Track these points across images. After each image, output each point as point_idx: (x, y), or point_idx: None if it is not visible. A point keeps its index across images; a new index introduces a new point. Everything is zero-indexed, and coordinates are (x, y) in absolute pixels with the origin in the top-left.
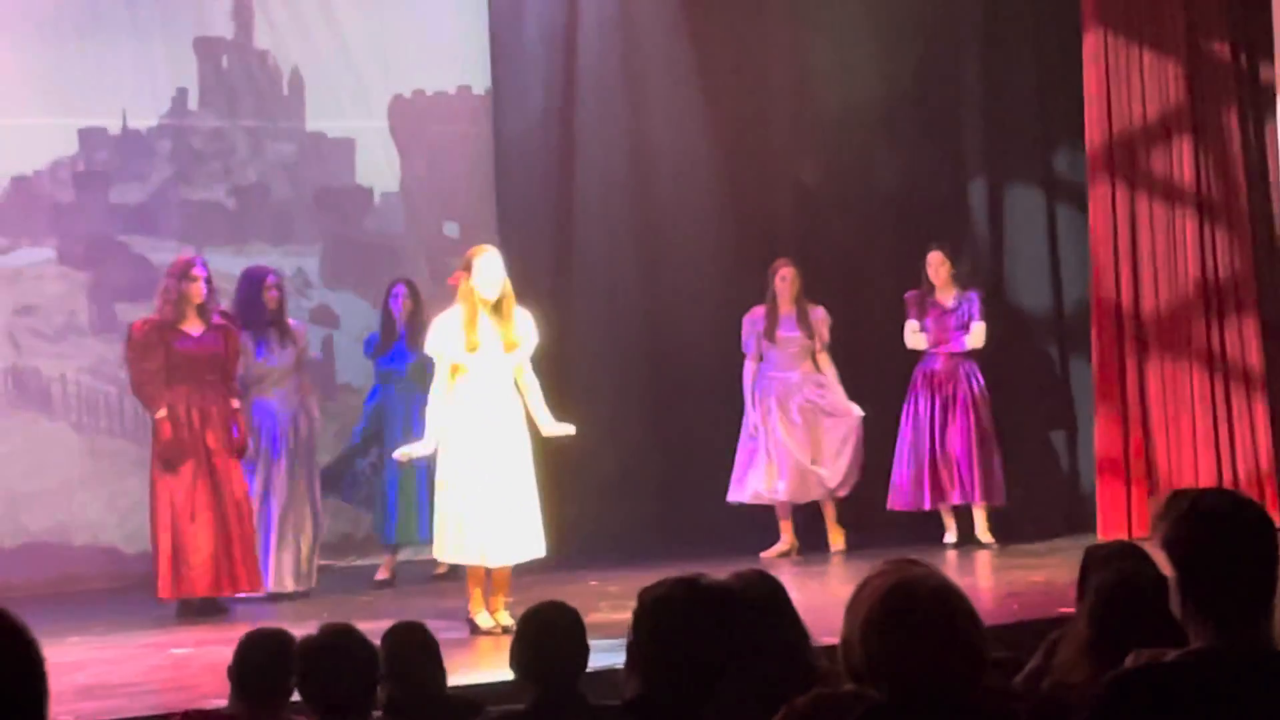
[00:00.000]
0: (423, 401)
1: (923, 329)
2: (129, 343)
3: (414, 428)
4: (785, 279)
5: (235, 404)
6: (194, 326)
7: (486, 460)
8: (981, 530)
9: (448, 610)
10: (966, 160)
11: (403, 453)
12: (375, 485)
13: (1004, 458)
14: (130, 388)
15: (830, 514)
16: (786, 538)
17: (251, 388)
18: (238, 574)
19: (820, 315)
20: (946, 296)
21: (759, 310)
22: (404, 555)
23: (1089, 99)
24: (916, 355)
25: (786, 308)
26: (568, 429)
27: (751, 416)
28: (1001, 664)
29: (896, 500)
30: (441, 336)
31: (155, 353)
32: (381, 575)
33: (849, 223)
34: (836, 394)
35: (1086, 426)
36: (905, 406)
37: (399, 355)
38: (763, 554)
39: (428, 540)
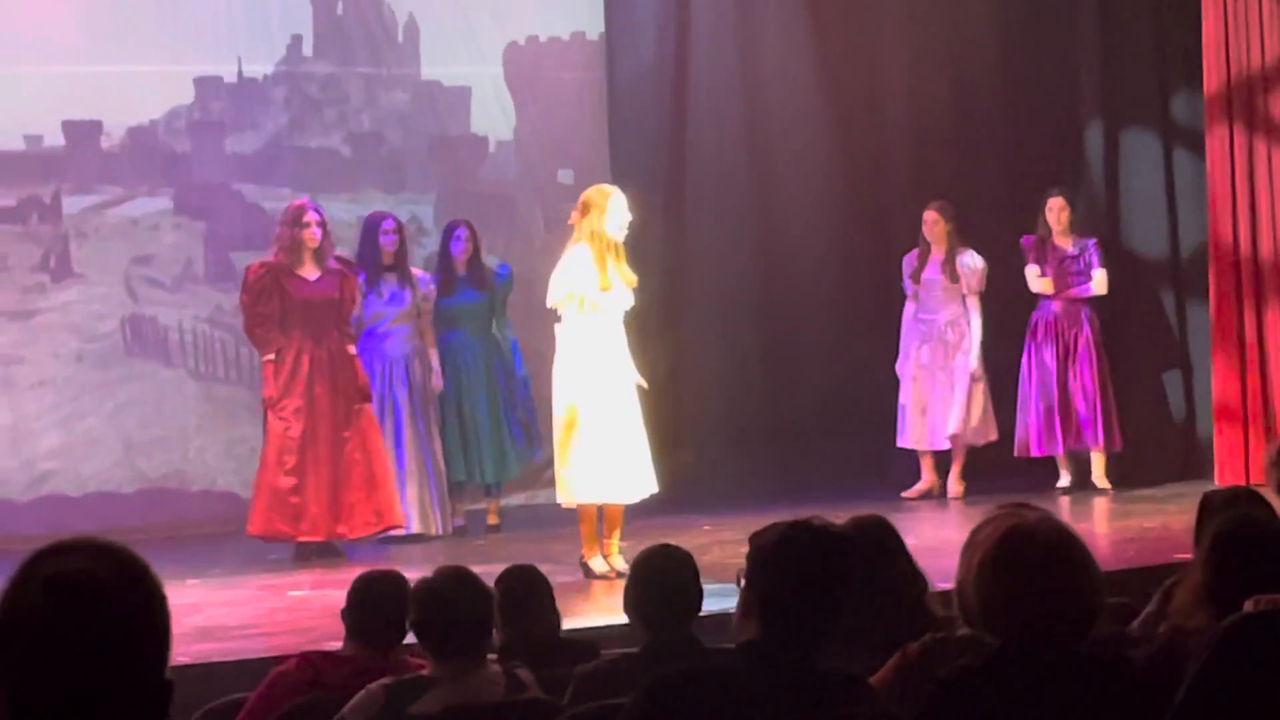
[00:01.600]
0: (492, 340)
1: (1043, 274)
2: (244, 285)
3: (491, 366)
4: (927, 222)
5: (352, 350)
6: (310, 271)
7: (608, 400)
8: (1099, 476)
9: (560, 554)
10: (1082, 104)
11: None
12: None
13: (1121, 403)
14: (243, 330)
15: (958, 462)
16: (929, 477)
17: (363, 329)
18: (340, 518)
19: (968, 259)
20: (1066, 242)
21: (915, 252)
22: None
23: (1207, 42)
24: (1031, 301)
25: (936, 250)
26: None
27: (905, 360)
28: (1117, 610)
29: (1025, 447)
30: (574, 274)
31: (269, 296)
32: (456, 522)
33: (962, 166)
34: (968, 344)
35: (1204, 372)
36: (1026, 353)
37: (468, 295)
38: (904, 494)
39: (484, 483)
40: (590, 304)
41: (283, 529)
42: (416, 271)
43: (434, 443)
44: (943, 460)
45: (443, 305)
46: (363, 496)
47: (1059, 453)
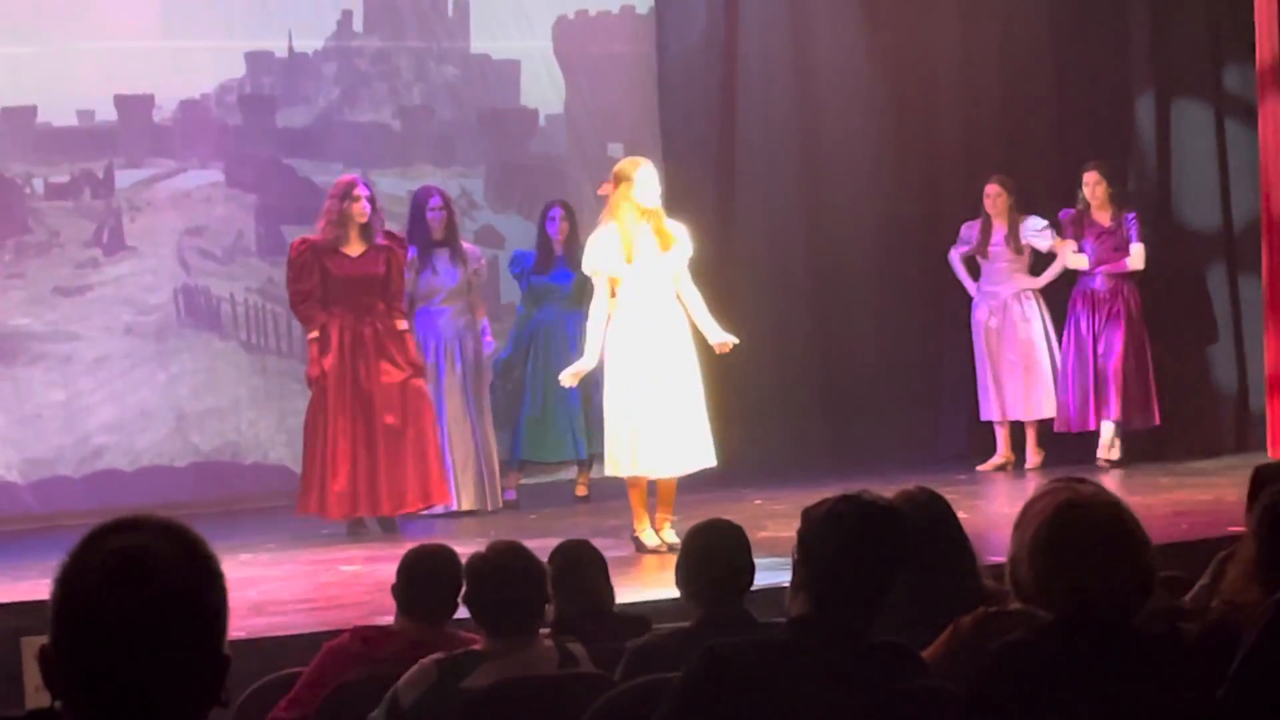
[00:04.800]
0: (584, 319)
1: (1081, 249)
2: (287, 262)
3: (574, 345)
4: (989, 195)
5: (402, 325)
6: (354, 248)
7: (653, 370)
8: (1106, 447)
9: (612, 529)
10: (1134, 75)
11: (570, 375)
12: (513, 401)
13: (1162, 377)
14: (290, 306)
15: (1031, 433)
16: (1003, 451)
17: (416, 305)
18: (386, 495)
19: (1030, 224)
20: (1104, 216)
21: (977, 223)
22: (545, 476)
23: (1259, 12)
24: (1075, 275)
25: (998, 223)
26: (732, 339)
27: (977, 334)
28: (1170, 583)
29: (1065, 422)
30: (598, 252)
31: (309, 273)
32: (509, 495)
33: (1013, 138)
34: (1035, 315)
35: (1256, 344)
36: (1066, 328)
37: (561, 275)
38: (979, 467)
39: (578, 458)
40: (611, 280)
41: (320, 506)
42: (468, 245)
43: (484, 417)
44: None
45: (535, 282)
46: (410, 473)
47: (1091, 427)
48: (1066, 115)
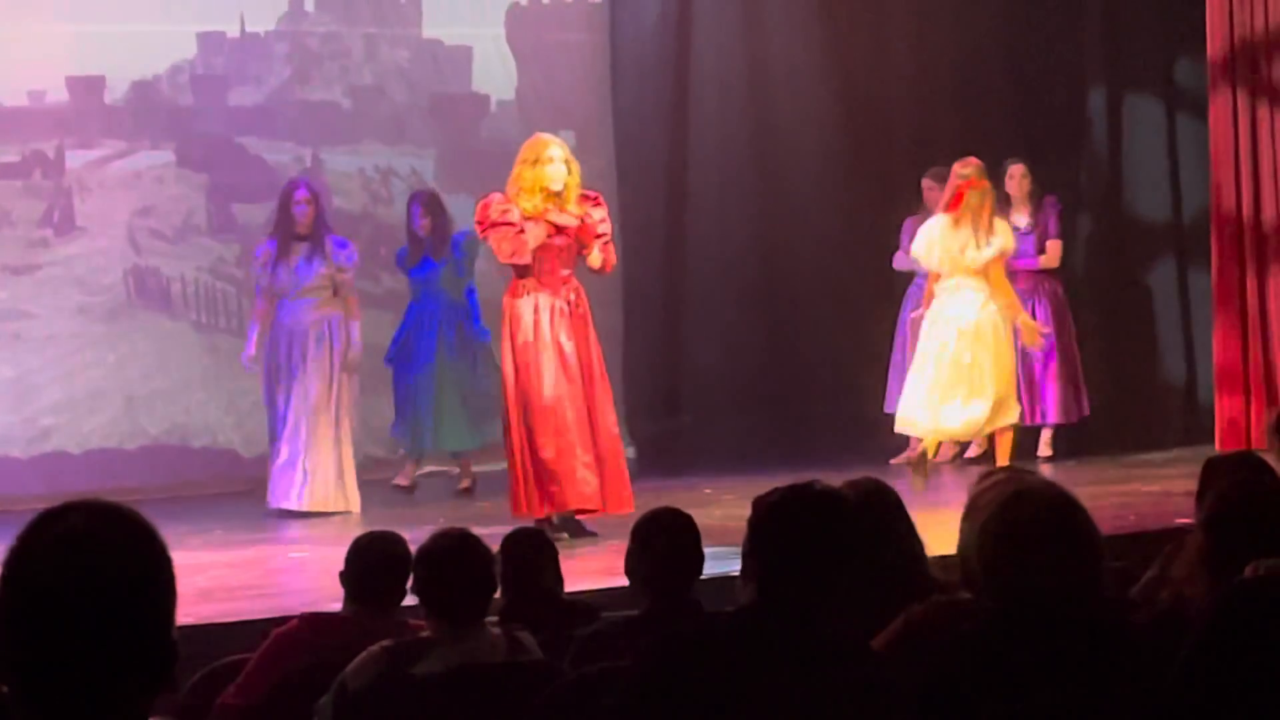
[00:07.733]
0: (451, 307)
1: None
2: (488, 223)
3: (453, 330)
4: (928, 189)
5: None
6: (555, 216)
7: (959, 347)
8: (1044, 445)
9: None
10: (1085, 69)
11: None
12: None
13: (1093, 370)
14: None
15: None
16: (914, 444)
17: (276, 299)
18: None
19: None
20: (1022, 214)
21: (917, 217)
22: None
23: (1211, 6)
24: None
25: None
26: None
27: (901, 326)
28: (1118, 574)
29: None
30: (927, 244)
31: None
32: (400, 482)
33: (965, 131)
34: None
35: (1205, 337)
36: None
37: (426, 265)
38: (892, 460)
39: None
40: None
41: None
42: (339, 240)
43: (342, 412)
44: None
45: (412, 275)
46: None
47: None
48: (1018, 110)
